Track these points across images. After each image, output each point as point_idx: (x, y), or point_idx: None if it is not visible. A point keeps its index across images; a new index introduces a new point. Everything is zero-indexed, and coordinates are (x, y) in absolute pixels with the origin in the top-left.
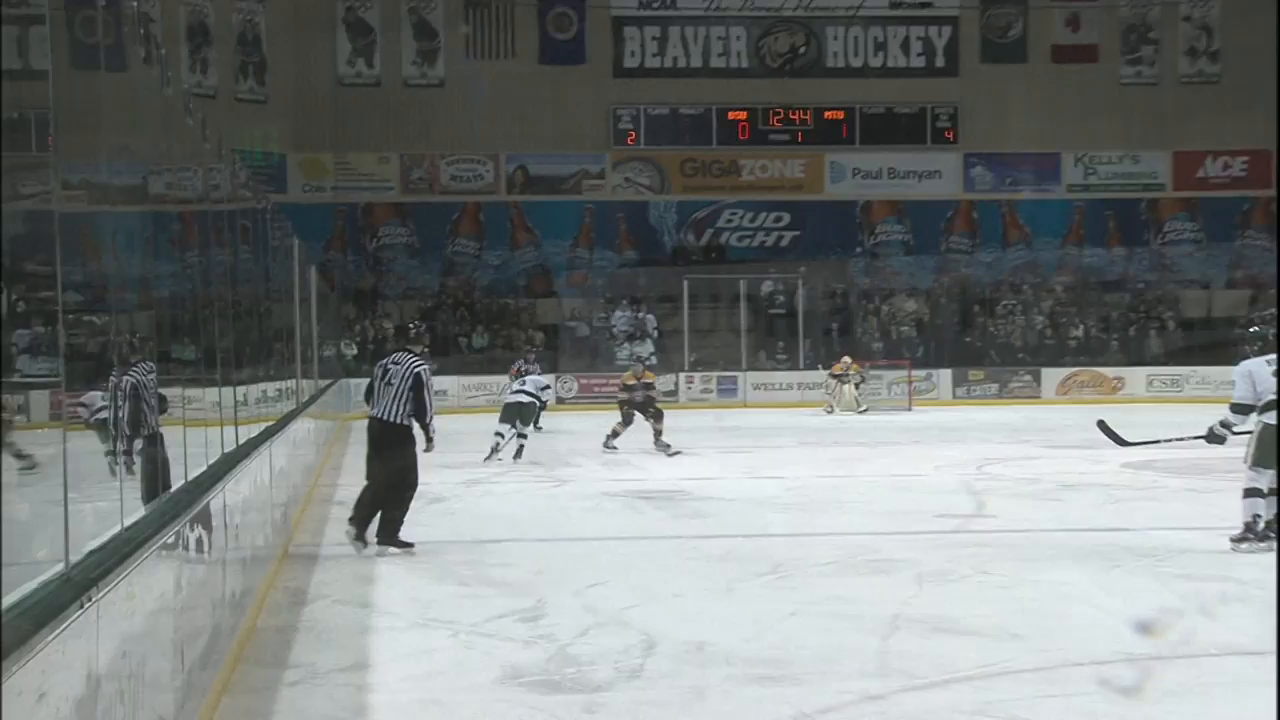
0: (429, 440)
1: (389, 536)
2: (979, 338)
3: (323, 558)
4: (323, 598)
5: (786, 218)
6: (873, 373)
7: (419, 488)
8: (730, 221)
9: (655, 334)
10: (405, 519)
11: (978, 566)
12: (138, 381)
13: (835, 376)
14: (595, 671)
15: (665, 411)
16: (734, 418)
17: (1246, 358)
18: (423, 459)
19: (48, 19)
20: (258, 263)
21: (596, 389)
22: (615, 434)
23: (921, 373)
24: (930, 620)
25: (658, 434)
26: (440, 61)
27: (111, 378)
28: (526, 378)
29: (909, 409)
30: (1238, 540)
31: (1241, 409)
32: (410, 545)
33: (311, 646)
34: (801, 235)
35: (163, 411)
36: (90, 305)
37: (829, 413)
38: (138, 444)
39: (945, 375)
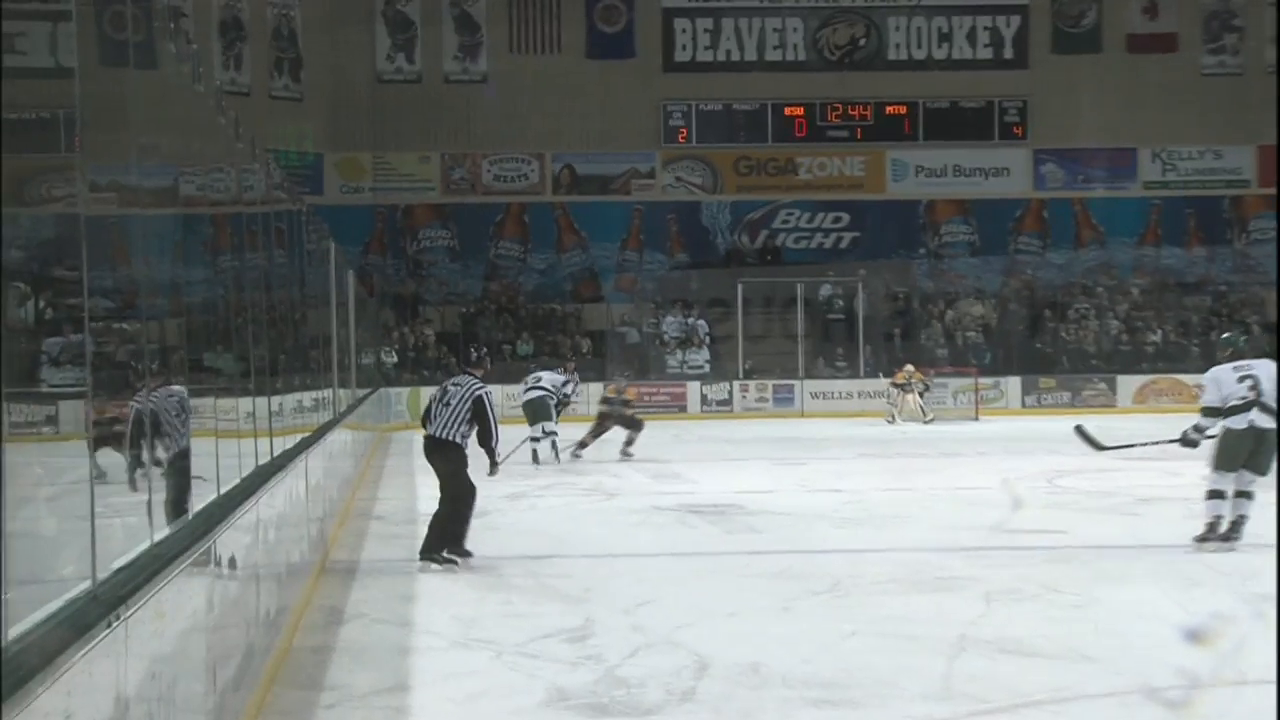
0: (494, 464)
1: (432, 551)
2: (1050, 343)
3: (361, 574)
4: (360, 616)
5: (845, 218)
6: (937, 380)
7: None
8: (786, 222)
9: (708, 340)
10: (453, 535)
11: (1048, 584)
12: (157, 408)
13: (898, 386)
14: (645, 694)
15: (646, 422)
16: (790, 428)
17: (1218, 364)
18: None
19: (74, 14)
20: (293, 267)
21: (647, 398)
22: (584, 444)
23: (989, 380)
24: (998, 641)
25: (630, 440)
26: (483, 56)
27: (134, 403)
28: (542, 374)
29: (975, 419)
30: (1200, 539)
31: (1211, 413)
32: (454, 561)
33: (348, 668)
34: (861, 236)
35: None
36: (120, 312)
37: (890, 423)
38: (161, 456)
39: (1014, 383)
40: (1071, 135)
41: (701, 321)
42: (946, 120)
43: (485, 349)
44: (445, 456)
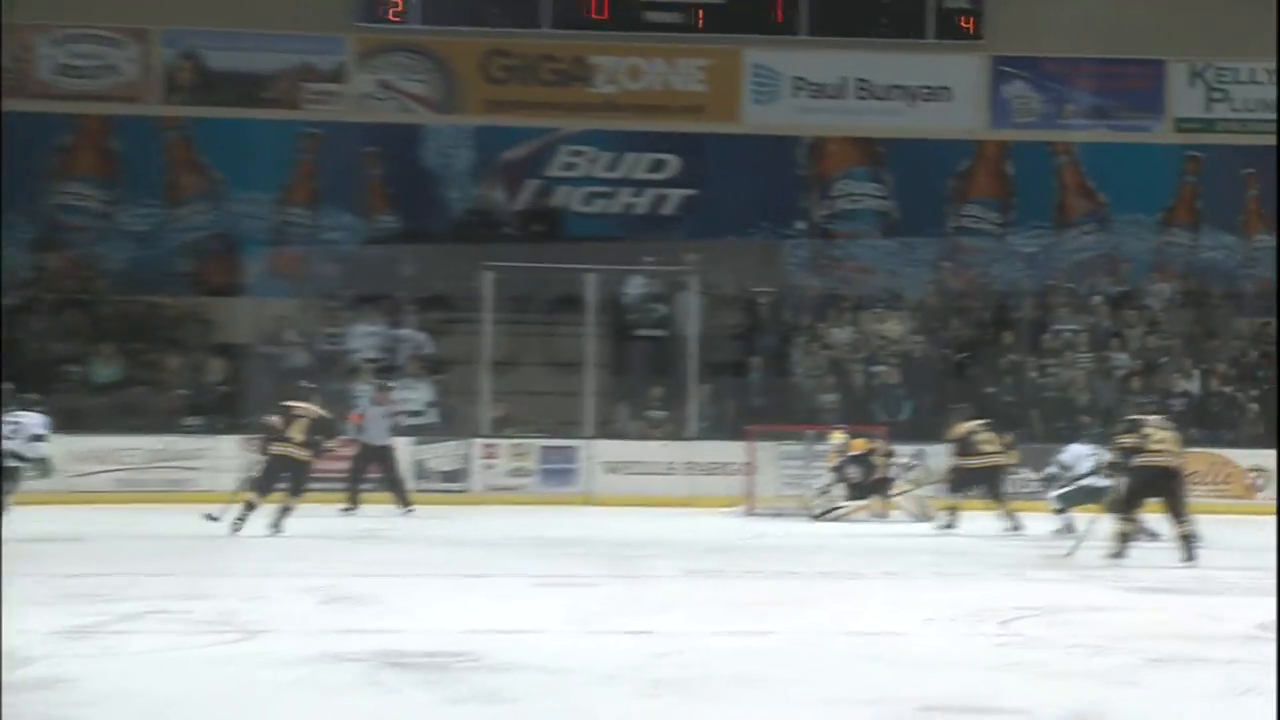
0: None
1: None
2: (1018, 388)
3: None
4: None
5: (673, 164)
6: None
7: None
8: (571, 167)
9: (429, 366)
10: None
11: None
12: None
13: (854, 460)
14: None
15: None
16: (570, 522)
17: None
18: None
19: None
20: None
21: (320, 464)
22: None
23: (907, 449)
24: None
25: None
26: None
27: None
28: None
29: (883, 513)
30: None
31: None
32: None
33: None
34: (699, 197)
35: None
36: None
37: (831, 516)
38: None
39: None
40: (1053, 36)
41: (421, 335)
42: (847, 3)
43: None
44: None
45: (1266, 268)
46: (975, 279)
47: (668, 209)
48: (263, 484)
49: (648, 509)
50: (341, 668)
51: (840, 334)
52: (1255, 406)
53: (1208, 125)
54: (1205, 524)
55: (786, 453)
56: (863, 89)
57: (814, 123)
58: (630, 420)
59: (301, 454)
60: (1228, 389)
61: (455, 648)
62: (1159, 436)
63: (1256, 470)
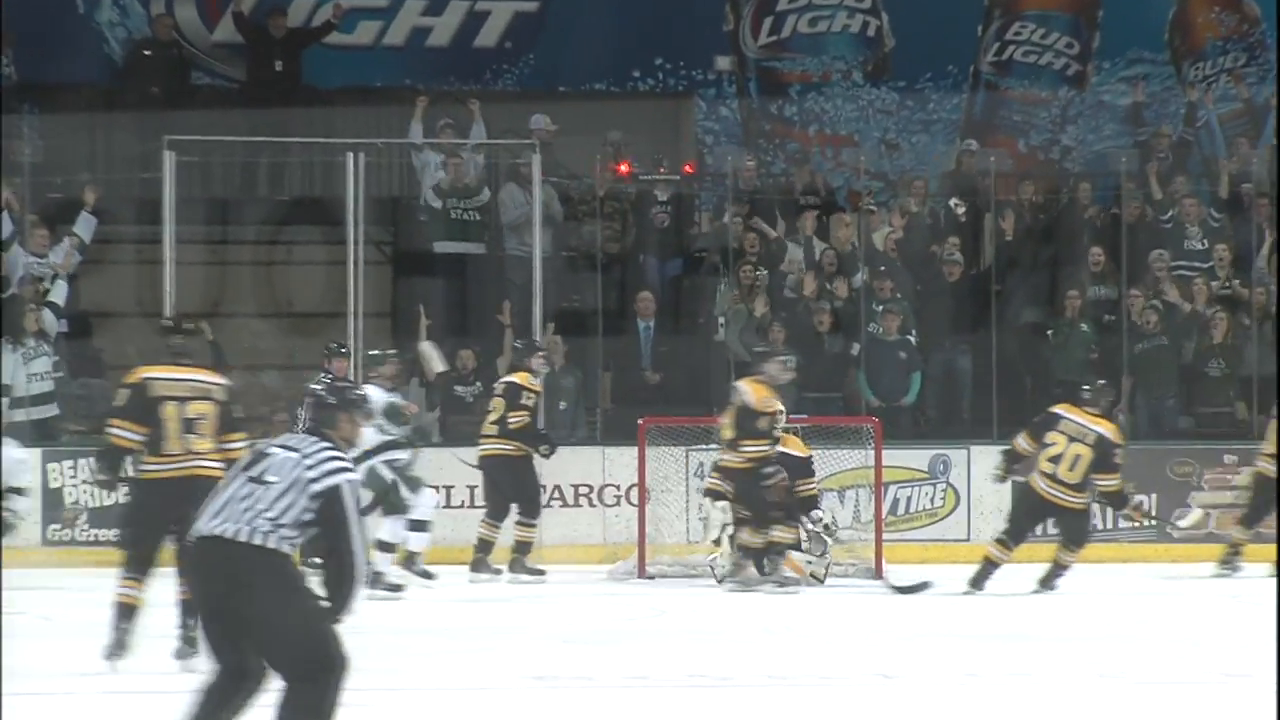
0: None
1: None
2: (1102, 342)
3: None
4: None
5: None
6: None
7: None
8: None
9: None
10: None
11: None
12: None
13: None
14: None
15: None
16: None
17: None
18: None
19: None
20: None
21: None
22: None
23: (911, 457)
24: None
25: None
26: None
27: None
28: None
29: (875, 574)
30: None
31: None
32: None
33: None
34: (544, 13)
35: None
36: None
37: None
38: None
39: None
40: None
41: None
42: None
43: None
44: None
45: None
46: (1033, 154)
47: (488, 38)
48: None
49: None
50: None
51: (796, 254)
52: None
53: None
54: None
55: (704, 465)
56: None
57: None
58: (427, 407)
59: None
60: None
61: None
62: None
63: None
